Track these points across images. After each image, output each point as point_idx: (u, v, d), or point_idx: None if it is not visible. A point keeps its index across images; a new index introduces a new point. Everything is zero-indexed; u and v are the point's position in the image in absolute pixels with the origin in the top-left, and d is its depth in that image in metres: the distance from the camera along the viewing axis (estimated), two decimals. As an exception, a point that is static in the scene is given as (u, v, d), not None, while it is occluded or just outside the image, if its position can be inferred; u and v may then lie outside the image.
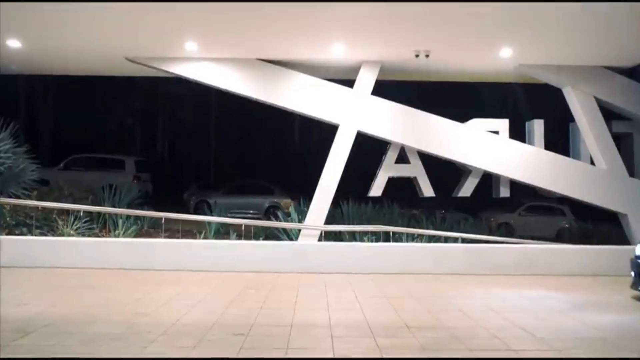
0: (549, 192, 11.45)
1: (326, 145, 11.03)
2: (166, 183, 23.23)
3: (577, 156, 11.56)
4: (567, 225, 16.29)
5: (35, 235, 10.17)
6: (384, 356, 4.62)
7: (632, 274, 7.92)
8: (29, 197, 11.13)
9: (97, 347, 4.64)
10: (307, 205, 10.97)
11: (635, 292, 7.81)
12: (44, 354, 4.43)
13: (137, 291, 7.31)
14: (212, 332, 5.25)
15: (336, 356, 4.58)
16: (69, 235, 10.22)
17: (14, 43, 10.18)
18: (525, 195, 16.62)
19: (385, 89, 11.39)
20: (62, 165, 18.15)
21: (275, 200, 18.09)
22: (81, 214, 10.47)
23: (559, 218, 16.98)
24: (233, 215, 12.47)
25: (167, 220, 10.88)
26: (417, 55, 10.31)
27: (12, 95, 21.87)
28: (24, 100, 25.16)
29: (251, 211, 17.49)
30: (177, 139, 29.64)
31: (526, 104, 13.85)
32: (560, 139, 12.39)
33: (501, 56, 10.52)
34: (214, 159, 28.83)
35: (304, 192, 12.27)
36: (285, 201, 16.72)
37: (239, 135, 28.05)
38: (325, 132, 12.50)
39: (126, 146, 25.30)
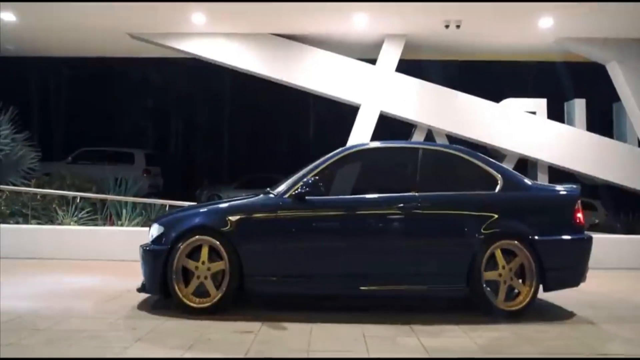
0: (592, 179, 10.42)
1: (343, 137, 10.11)
2: (178, 177, 22.57)
3: (622, 139, 10.51)
4: (597, 221, 15.05)
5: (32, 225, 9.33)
6: None
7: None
8: (28, 187, 10.39)
9: (66, 347, 3.72)
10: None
11: None
12: None
13: (130, 283, 6.40)
14: (212, 329, 4.32)
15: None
16: (69, 225, 9.37)
17: (8, 16, 9.43)
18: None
19: (412, 68, 10.48)
20: (70, 158, 17.68)
21: (290, 194, 17.23)
22: (78, 201, 9.61)
23: (588, 212, 15.74)
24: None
25: (175, 212, 10.00)
26: (447, 26, 9.34)
27: (12, 81, 21.18)
28: (24, 86, 24.67)
29: (264, 206, 16.62)
30: (188, 132, 28.92)
31: (563, 83, 12.87)
32: (601, 121, 11.35)
33: (540, 27, 9.54)
34: (227, 152, 28.07)
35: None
36: (300, 196, 15.82)
37: (253, 128, 27.29)
38: (342, 124, 11.60)
39: (136, 138, 24.61)
